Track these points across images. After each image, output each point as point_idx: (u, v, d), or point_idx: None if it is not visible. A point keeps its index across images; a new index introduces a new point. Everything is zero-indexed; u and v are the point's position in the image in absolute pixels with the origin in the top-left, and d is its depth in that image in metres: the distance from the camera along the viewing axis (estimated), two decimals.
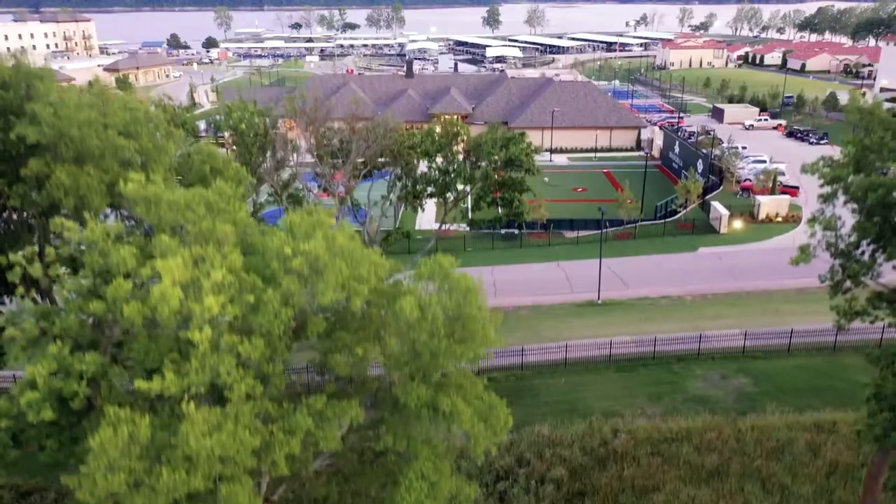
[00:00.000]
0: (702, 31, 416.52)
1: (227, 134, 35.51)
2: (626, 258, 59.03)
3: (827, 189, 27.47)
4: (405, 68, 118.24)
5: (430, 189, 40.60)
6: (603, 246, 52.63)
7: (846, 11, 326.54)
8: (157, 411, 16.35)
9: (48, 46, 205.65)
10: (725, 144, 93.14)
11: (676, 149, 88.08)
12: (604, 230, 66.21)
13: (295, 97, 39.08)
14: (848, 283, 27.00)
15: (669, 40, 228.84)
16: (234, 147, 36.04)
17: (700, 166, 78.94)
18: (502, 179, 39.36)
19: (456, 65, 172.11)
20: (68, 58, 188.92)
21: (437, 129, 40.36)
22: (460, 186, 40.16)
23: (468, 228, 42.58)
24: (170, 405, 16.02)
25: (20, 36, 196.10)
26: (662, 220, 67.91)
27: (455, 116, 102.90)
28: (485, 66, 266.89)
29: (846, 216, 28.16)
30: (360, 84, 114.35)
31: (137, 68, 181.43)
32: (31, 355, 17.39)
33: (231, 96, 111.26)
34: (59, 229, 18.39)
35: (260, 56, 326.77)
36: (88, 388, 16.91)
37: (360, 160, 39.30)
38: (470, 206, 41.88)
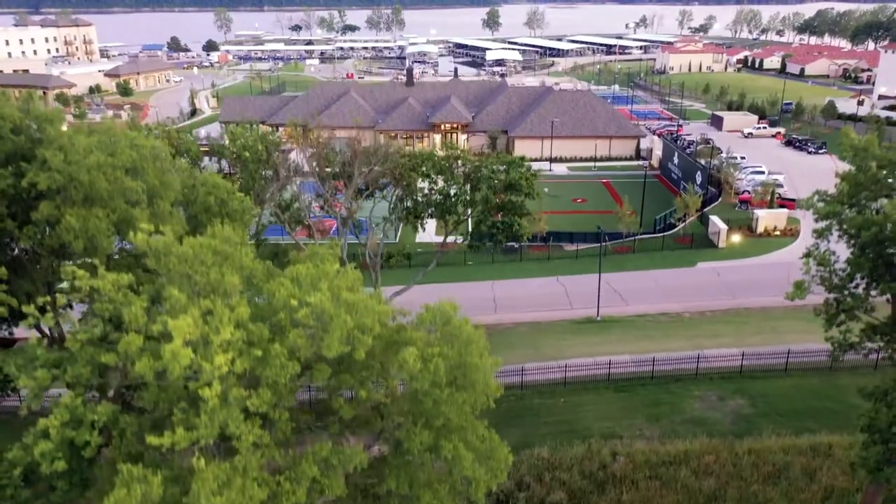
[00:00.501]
0: (701, 34, 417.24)
1: (229, 160, 35.84)
2: (625, 273, 59.49)
3: (821, 224, 27.86)
4: (405, 76, 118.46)
5: (430, 210, 41.01)
6: (602, 260, 53.10)
7: (845, 14, 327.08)
8: (167, 461, 16.80)
9: (49, 51, 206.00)
10: (724, 155, 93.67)
11: (675, 160, 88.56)
12: (603, 243, 66.83)
13: (297, 120, 39.44)
14: (842, 317, 27.46)
15: (669, 44, 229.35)
16: (237, 171, 36.38)
17: (699, 178, 79.45)
18: (502, 203, 39.81)
19: (456, 70, 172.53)
20: (69, 63, 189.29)
21: (439, 152, 40.75)
22: (461, 209, 40.60)
23: (468, 243, 42.77)
24: (180, 456, 16.48)
25: (21, 41, 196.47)
26: (661, 234, 68.35)
27: (456, 125, 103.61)
28: (485, 70, 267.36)
29: (840, 248, 28.66)
30: (361, 92, 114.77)
31: (138, 73, 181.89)
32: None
33: (232, 109, 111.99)
34: (70, 277, 18.84)
35: (260, 59, 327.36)
36: (100, 437, 17.37)
37: (362, 182, 39.65)
38: (470, 230, 42.24)
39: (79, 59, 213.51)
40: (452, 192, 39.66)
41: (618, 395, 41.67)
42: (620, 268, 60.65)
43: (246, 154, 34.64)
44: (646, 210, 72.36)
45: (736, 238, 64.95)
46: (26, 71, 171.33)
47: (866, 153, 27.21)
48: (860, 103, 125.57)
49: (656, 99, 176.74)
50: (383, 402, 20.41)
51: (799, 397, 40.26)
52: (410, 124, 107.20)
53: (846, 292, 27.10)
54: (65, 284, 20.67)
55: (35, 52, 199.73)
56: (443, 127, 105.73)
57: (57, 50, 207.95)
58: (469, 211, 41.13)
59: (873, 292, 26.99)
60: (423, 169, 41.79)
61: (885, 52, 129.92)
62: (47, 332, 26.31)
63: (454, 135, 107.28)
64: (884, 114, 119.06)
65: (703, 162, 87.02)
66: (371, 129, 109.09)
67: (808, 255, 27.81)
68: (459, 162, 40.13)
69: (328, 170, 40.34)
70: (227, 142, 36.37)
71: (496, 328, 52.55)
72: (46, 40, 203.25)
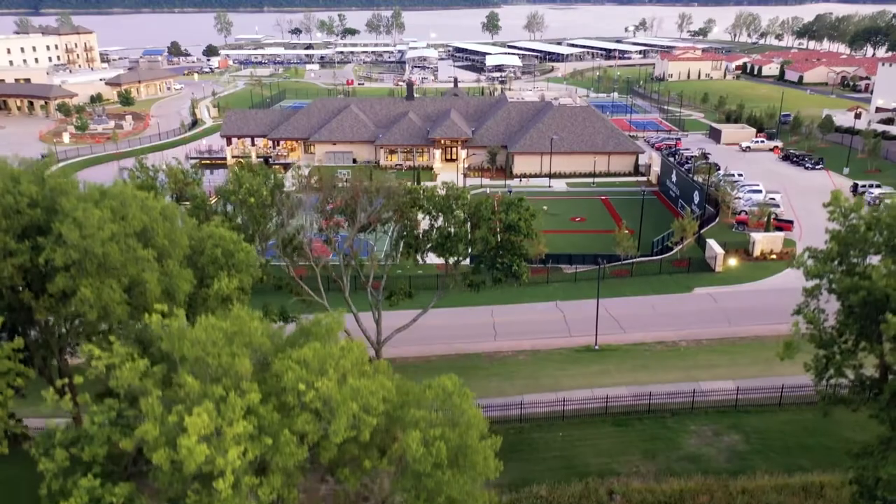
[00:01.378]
0: (700, 37, 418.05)
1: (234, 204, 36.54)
2: (623, 299, 60.27)
3: (811, 283, 28.64)
4: (406, 88, 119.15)
5: (430, 246, 41.74)
6: (600, 283, 53.79)
7: (844, 19, 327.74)
8: None
9: (50, 59, 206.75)
10: (721, 172, 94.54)
11: (674, 177, 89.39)
12: (601, 266, 67.60)
13: (302, 173, 40.20)
14: (831, 371, 28.26)
15: (668, 51, 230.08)
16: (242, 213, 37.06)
17: (696, 198, 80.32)
18: (501, 242, 40.57)
19: (456, 81, 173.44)
20: (70, 71, 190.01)
21: (440, 191, 41.51)
22: (462, 249, 41.37)
23: (468, 282, 43.49)
24: None
25: (22, 49, 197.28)
26: (659, 257, 69.15)
27: (455, 140, 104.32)
28: (485, 75, 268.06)
29: (831, 300, 29.44)
30: (361, 106, 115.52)
31: (139, 82, 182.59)
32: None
33: (234, 123, 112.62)
34: (88, 356, 19.64)
35: (260, 63, 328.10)
36: None
37: (364, 218, 40.33)
38: (471, 267, 42.99)
39: (80, 66, 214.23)
40: (452, 230, 40.42)
41: (615, 430, 42.45)
42: (618, 293, 61.43)
43: (251, 200, 35.43)
44: (644, 230, 73.11)
45: (732, 262, 65.76)
46: (28, 80, 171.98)
47: (853, 212, 27.91)
48: (857, 116, 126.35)
49: (655, 108, 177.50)
50: (387, 472, 21.20)
51: (792, 433, 41.04)
52: (410, 139, 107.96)
53: (835, 348, 27.89)
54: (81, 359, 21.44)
55: (36, 59, 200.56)
56: (443, 142, 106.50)
57: (58, 58, 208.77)
58: (469, 249, 41.90)
59: (862, 350, 27.78)
60: (424, 204, 42.48)
61: (883, 65, 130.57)
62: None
63: (454, 149, 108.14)
64: (880, 127, 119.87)
65: (700, 179, 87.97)
66: (371, 143, 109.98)
67: (798, 311, 28.59)
68: (459, 201, 40.87)
69: (329, 207, 41.05)
70: (231, 184, 37.08)
71: (496, 356, 53.41)
72: (48, 48, 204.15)
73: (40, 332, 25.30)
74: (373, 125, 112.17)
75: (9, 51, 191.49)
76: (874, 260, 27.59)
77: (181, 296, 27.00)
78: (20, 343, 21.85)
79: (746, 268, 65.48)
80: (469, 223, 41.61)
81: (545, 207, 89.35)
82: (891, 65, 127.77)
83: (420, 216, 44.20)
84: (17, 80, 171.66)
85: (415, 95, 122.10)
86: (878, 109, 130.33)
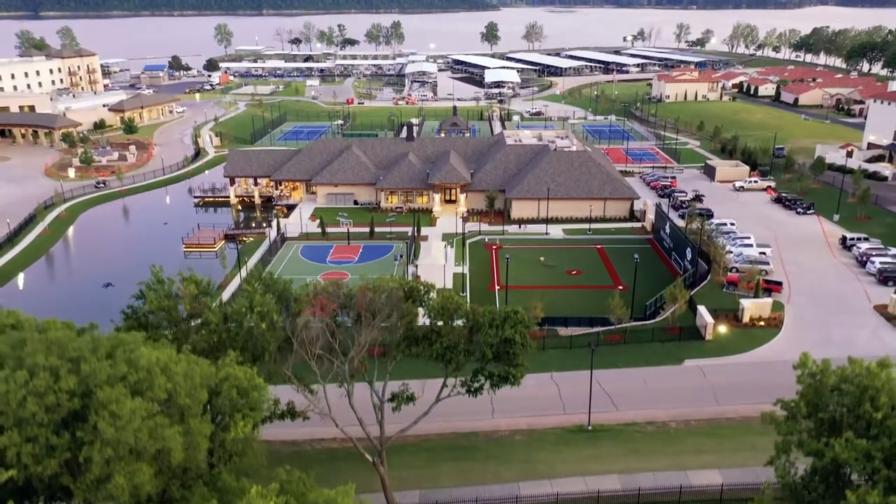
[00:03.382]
0: (698, 48, 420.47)
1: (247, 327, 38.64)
2: (616, 371, 62.55)
3: (781, 439, 30.87)
4: (406, 132, 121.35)
5: (432, 354, 43.91)
6: (595, 352, 55.88)
7: (840, 33, 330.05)
8: None
9: (53, 82, 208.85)
10: (715, 221, 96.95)
11: (667, 229, 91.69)
12: (595, 334, 70.02)
13: (309, 290, 42.28)
14: None
15: (666, 68, 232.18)
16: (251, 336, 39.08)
17: (689, 254, 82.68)
18: (498, 352, 42.78)
19: (455, 109, 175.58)
20: (73, 95, 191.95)
21: (437, 299, 43.73)
22: (461, 358, 43.61)
23: (465, 390, 45.67)
24: None
25: (26, 74, 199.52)
26: (651, 321, 71.43)
27: (455, 185, 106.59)
28: (484, 91, 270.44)
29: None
30: (362, 147, 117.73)
31: (142, 107, 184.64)
32: None
33: (237, 164, 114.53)
34: None
35: (260, 76, 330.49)
36: None
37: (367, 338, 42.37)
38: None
39: (82, 88, 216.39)
40: (450, 346, 42.71)
41: None
42: (612, 363, 63.73)
43: (263, 325, 37.64)
44: (638, 281, 75.21)
45: (722, 329, 68.05)
46: (32, 107, 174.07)
47: (822, 374, 30.15)
48: (849, 155, 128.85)
49: (651, 133, 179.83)
50: None
51: None
52: (410, 182, 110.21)
53: (805, 496, 30.18)
54: None
55: (40, 83, 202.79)
56: (442, 187, 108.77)
57: (61, 80, 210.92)
58: (468, 359, 44.11)
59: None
60: (426, 306, 44.53)
61: (875, 101, 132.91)
62: None
63: (453, 190, 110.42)
64: (871, 167, 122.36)
65: (694, 226, 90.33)
66: (372, 185, 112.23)
67: (770, 462, 30.83)
68: (459, 312, 43.09)
69: (336, 319, 43.11)
70: (242, 305, 39.24)
71: (493, 436, 55.70)
72: (51, 72, 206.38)
73: None
74: (373, 166, 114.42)
75: (13, 76, 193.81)
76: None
77: (202, 454, 29.34)
78: None
79: (736, 336, 67.76)
80: (468, 332, 43.79)
81: (542, 258, 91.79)
82: (882, 101, 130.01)
83: (420, 311, 46.20)
84: (21, 107, 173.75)
85: (414, 133, 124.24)
86: (869, 145, 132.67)
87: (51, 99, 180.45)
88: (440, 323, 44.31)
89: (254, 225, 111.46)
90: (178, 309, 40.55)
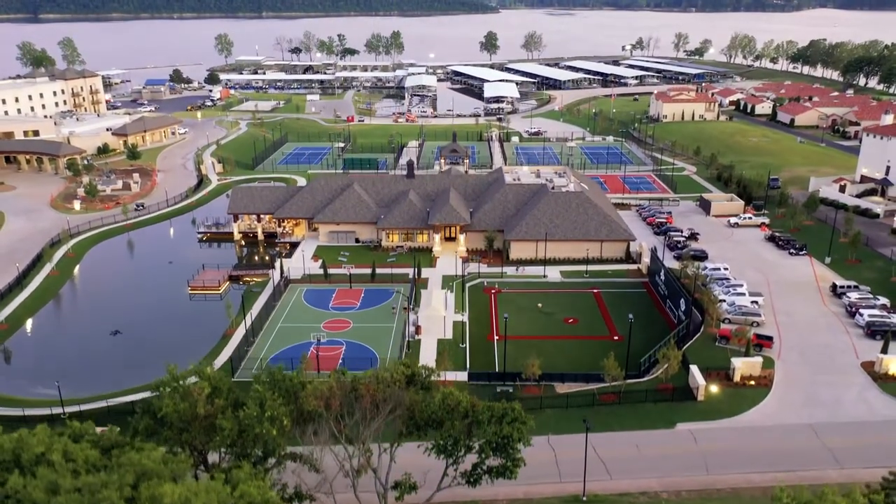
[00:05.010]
0: (696, 57, 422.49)
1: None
2: (610, 434, 64.63)
3: None
4: (406, 169, 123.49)
5: (433, 448, 46.06)
6: (591, 412, 57.97)
7: (837, 46, 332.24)
8: None
9: (57, 104, 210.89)
10: (709, 266, 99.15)
11: (662, 276, 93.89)
12: (592, 386, 72.40)
13: (318, 391, 44.33)
14: None
15: (663, 93, 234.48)
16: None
17: (683, 305, 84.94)
18: (496, 447, 44.91)
19: (454, 136, 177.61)
20: (77, 119, 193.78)
21: (437, 397, 45.89)
22: (462, 453, 45.79)
23: (465, 481, 47.79)
24: None
25: (30, 97, 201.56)
26: (645, 379, 73.59)
27: (454, 226, 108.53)
28: (483, 108, 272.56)
29: None
30: (364, 185, 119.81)
31: (145, 130, 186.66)
32: None
33: (241, 202, 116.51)
34: None
35: (261, 88, 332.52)
36: None
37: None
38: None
39: (85, 109, 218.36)
40: (453, 438, 44.86)
41: None
42: (607, 426, 65.86)
43: (273, 432, 39.74)
44: (633, 333, 77.49)
45: (714, 389, 70.20)
46: (37, 132, 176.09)
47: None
48: (842, 189, 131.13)
49: (648, 157, 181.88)
50: None
51: None
52: (411, 222, 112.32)
53: None
54: None
55: (44, 105, 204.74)
56: (442, 227, 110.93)
57: (64, 102, 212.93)
58: (468, 453, 46.26)
59: None
60: (427, 412, 46.53)
61: (868, 135, 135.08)
62: None
63: (453, 229, 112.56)
64: (863, 204, 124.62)
65: (689, 271, 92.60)
66: (373, 224, 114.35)
67: None
68: (458, 409, 45.22)
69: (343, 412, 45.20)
70: (253, 409, 41.27)
71: None
72: (54, 94, 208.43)
73: None
74: (374, 205, 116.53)
75: (17, 99, 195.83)
76: None
77: None
78: None
79: (727, 396, 69.92)
80: (468, 427, 45.92)
81: (540, 305, 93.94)
82: (875, 136, 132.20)
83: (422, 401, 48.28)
84: (25, 132, 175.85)
85: (414, 171, 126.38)
86: (863, 178, 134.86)
87: (55, 123, 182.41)
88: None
89: (256, 258, 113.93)
90: (192, 408, 42.58)
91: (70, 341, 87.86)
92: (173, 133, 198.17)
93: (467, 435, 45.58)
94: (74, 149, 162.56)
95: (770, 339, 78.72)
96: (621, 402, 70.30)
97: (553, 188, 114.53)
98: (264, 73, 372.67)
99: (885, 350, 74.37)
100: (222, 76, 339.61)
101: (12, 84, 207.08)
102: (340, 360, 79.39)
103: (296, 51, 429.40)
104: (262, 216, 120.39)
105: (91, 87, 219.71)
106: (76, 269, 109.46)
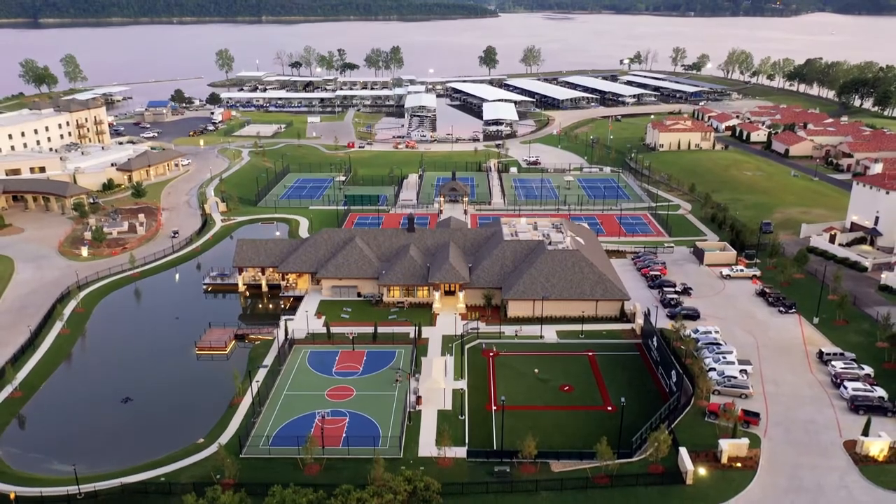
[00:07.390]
0: (694, 71, 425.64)
1: None
2: None
3: None
4: (406, 223, 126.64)
5: None
6: (583, 495, 60.73)
7: (833, 65, 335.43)
8: None
9: (62, 136, 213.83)
10: (700, 329, 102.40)
11: (655, 342, 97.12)
12: (585, 463, 75.62)
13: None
14: None
15: (660, 122, 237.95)
16: None
17: (674, 376, 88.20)
18: None
19: (454, 174, 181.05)
20: (82, 152, 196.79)
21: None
22: None
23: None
24: None
25: (36, 131, 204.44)
26: (637, 458, 76.73)
27: (453, 284, 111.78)
28: (481, 131, 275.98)
29: None
30: (365, 239, 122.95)
31: (149, 165, 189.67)
32: None
33: (246, 255, 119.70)
34: None
35: (262, 107, 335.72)
36: None
37: None
38: None
39: (90, 140, 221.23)
40: None
41: None
42: None
43: None
44: (626, 405, 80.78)
45: (702, 471, 73.38)
46: (43, 168, 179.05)
47: None
48: (832, 240, 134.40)
49: (644, 192, 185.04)
50: None
51: None
52: (411, 279, 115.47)
53: None
54: None
55: (49, 139, 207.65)
56: (441, 285, 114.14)
57: (69, 134, 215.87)
58: None
59: None
60: None
61: (857, 184, 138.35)
62: None
63: (451, 286, 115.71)
64: (852, 255, 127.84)
65: (682, 334, 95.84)
66: (375, 279, 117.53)
67: None
68: None
69: None
70: None
71: None
72: (60, 126, 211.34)
73: None
74: (376, 259, 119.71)
75: (23, 134, 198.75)
76: None
77: None
78: None
79: (715, 479, 73.04)
80: None
81: (536, 370, 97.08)
82: (865, 185, 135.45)
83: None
84: (32, 168, 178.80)
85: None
86: (853, 225, 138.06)
87: (60, 158, 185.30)
88: None
89: (260, 308, 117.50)
90: None
91: (83, 409, 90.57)
92: (177, 165, 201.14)
93: None
94: (81, 189, 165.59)
95: (757, 415, 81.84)
96: (614, 484, 73.46)
97: (550, 244, 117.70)
98: (265, 90, 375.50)
99: (866, 432, 77.40)
100: (223, 94, 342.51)
101: (19, 117, 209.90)
102: (344, 435, 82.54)
103: (296, 65, 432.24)
104: (266, 269, 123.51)
105: (95, 117, 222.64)
106: (86, 326, 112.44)
